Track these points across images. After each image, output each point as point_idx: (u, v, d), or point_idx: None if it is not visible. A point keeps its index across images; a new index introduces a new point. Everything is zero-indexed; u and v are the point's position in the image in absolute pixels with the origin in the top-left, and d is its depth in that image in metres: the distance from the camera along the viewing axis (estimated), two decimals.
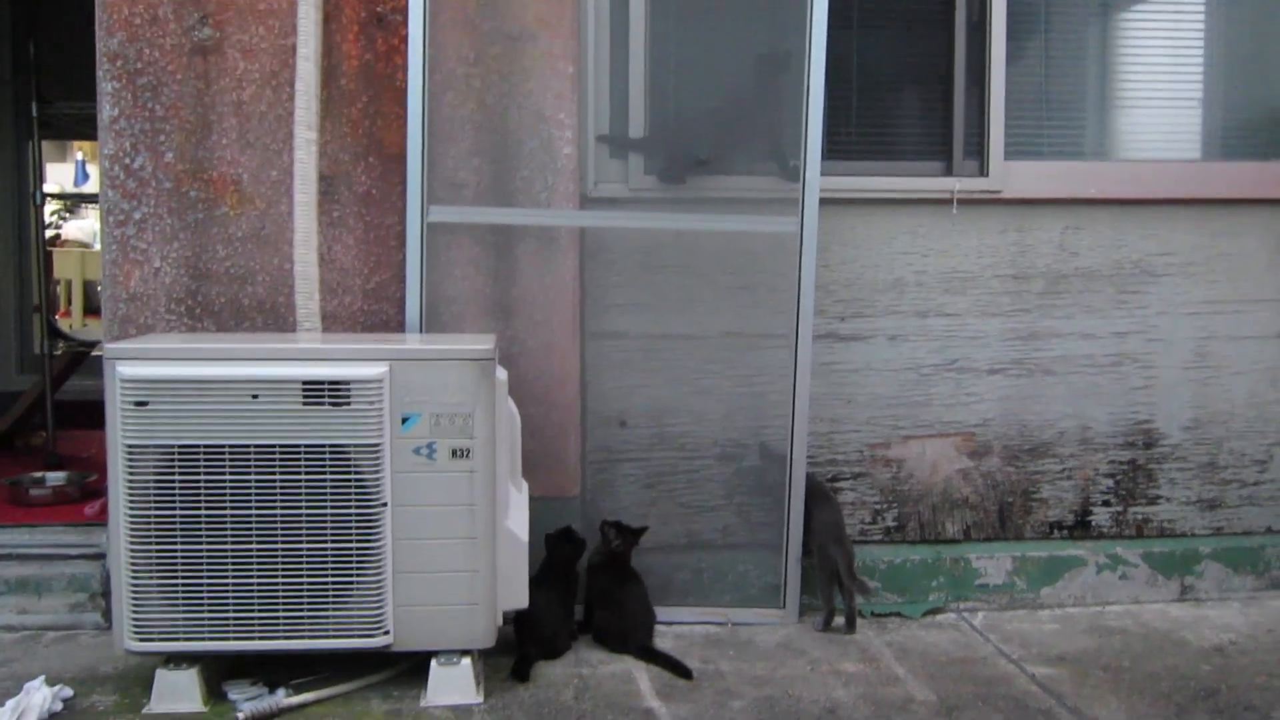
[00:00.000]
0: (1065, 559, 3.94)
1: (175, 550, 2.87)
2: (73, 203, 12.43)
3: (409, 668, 3.13)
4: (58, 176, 13.03)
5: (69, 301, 10.82)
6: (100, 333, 3.70)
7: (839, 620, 3.62)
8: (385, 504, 2.92)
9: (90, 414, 3.97)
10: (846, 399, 3.90)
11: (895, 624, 3.73)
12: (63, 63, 5.82)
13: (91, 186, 12.76)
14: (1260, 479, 4.10)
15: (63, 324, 9.65)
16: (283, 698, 2.95)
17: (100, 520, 3.74)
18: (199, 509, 2.87)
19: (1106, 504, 4.03)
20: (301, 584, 2.90)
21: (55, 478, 4.39)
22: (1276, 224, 4.07)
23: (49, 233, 10.31)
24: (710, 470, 3.84)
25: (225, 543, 2.88)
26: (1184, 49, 4.18)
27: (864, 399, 3.91)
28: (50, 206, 11.12)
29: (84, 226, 12.56)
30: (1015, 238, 3.95)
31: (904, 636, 3.61)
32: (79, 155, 13.60)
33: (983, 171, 3.93)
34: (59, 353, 5.59)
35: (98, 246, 11.25)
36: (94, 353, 5.64)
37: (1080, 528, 4.02)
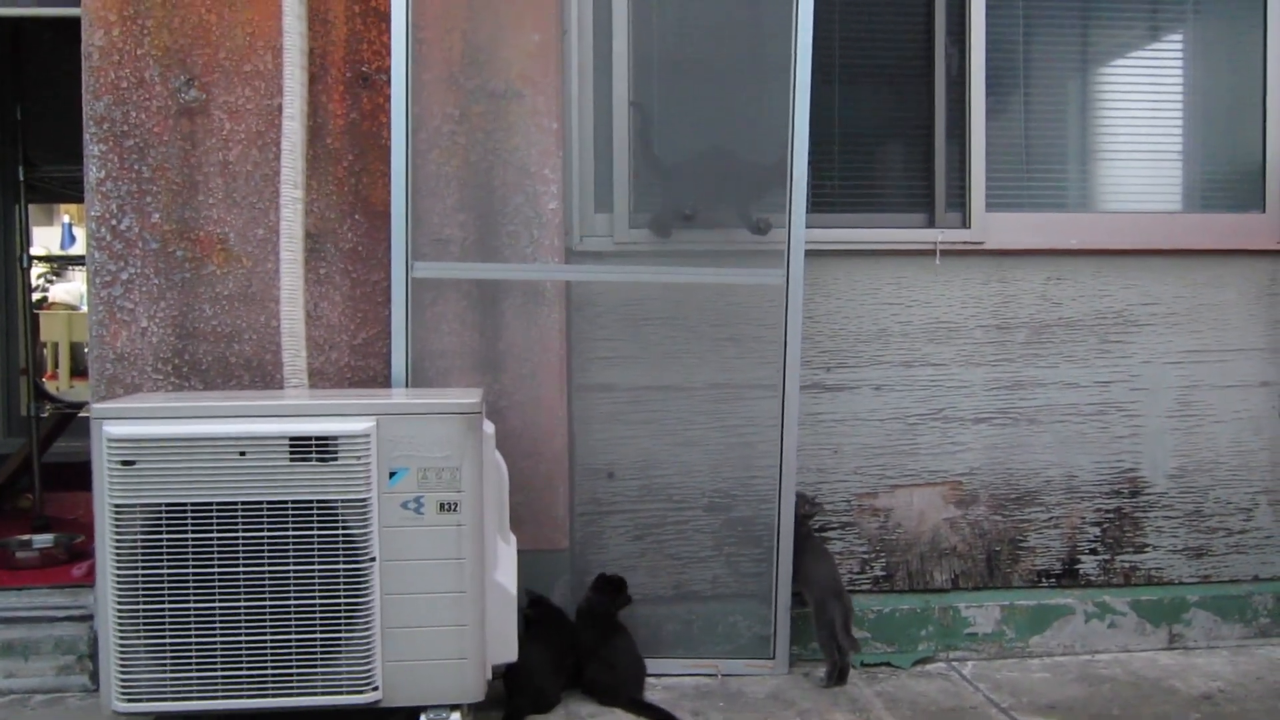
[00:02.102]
0: (1054, 608, 3.94)
1: (163, 609, 2.86)
2: (59, 265, 12.45)
3: None
4: (44, 240, 13.08)
5: (56, 364, 10.81)
6: (87, 394, 3.70)
7: (827, 670, 3.61)
8: (373, 559, 2.91)
9: (77, 475, 3.95)
10: (833, 449, 3.91)
11: (885, 674, 3.72)
12: (49, 126, 5.87)
13: (78, 249, 12.80)
14: (1246, 527, 4.12)
15: (49, 386, 9.63)
16: None
17: (88, 582, 3.72)
18: (186, 567, 2.86)
19: (1094, 552, 4.03)
20: (290, 641, 2.89)
21: (42, 540, 4.38)
22: (1257, 274, 4.11)
23: (36, 295, 10.33)
24: (699, 521, 3.84)
25: (213, 601, 2.87)
26: (1163, 103, 4.25)
27: (851, 449, 3.93)
28: (37, 269, 11.14)
29: (71, 289, 12.57)
30: (998, 288, 3.99)
31: (894, 686, 3.61)
32: (65, 218, 13.66)
33: (965, 223, 3.98)
34: (46, 415, 5.57)
35: (84, 309, 11.27)
36: (81, 414, 5.63)
37: (1068, 576, 4.02)
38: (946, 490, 3.97)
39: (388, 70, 3.54)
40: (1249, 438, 4.11)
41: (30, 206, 5.67)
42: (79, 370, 10.65)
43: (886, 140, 4.12)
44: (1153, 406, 4.06)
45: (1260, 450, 4.11)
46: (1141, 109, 4.24)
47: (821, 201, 3.96)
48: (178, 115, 3.55)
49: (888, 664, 3.80)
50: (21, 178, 5.37)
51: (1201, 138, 4.26)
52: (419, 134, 3.58)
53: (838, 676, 3.58)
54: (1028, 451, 4.00)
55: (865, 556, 3.94)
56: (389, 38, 3.52)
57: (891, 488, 3.95)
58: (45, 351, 10.68)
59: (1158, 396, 4.06)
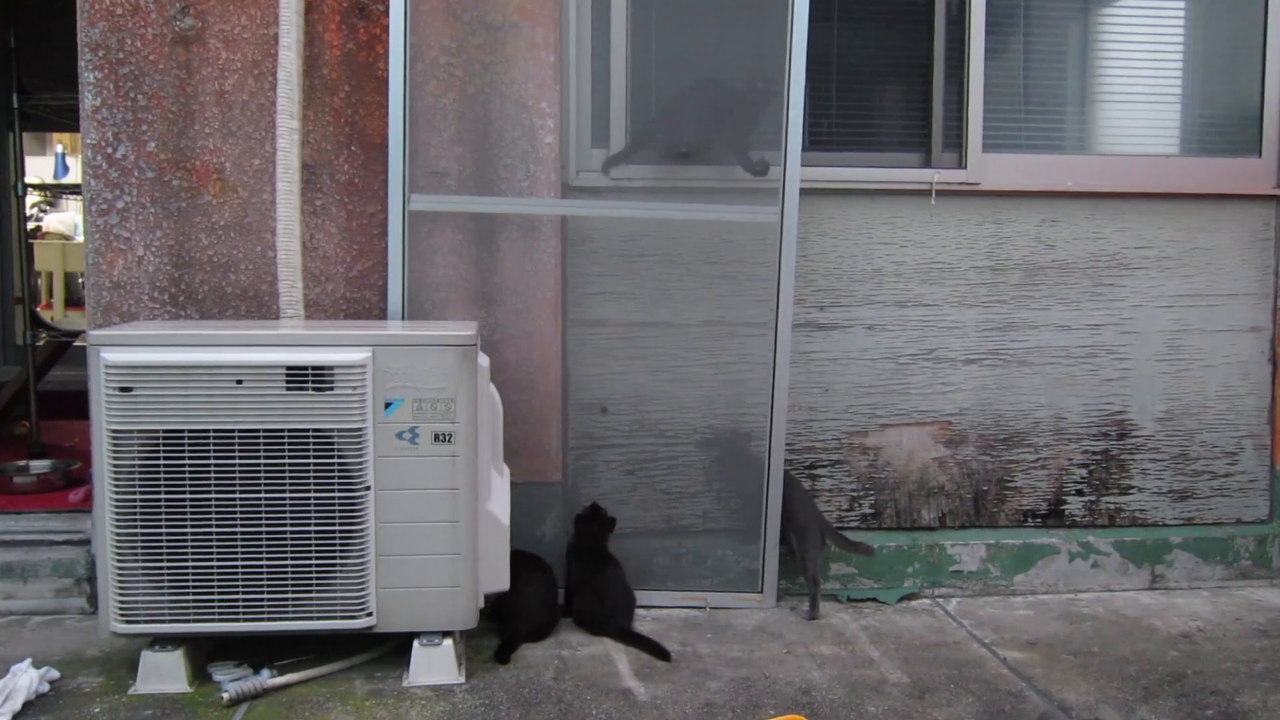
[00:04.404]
0: (1038, 547, 4.00)
1: (160, 533, 2.90)
2: (53, 195, 12.40)
3: (392, 649, 3.17)
4: (38, 169, 13.02)
5: (50, 294, 10.81)
6: (82, 324, 3.72)
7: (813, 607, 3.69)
8: (368, 487, 2.95)
9: (73, 404, 3.99)
10: (825, 387, 3.94)
11: (871, 609, 3.78)
12: (43, 53, 5.83)
13: (72, 178, 12.74)
14: (1231, 470, 4.16)
15: (44, 316, 9.64)
16: (267, 678, 2.98)
17: (85, 507, 3.76)
18: (184, 492, 2.89)
19: (1080, 493, 4.08)
20: (285, 566, 2.93)
21: (39, 465, 4.40)
22: (1251, 219, 4.13)
23: (30, 225, 10.30)
24: (690, 457, 3.88)
25: (210, 526, 2.90)
26: (1163, 45, 4.23)
27: (842, 387, 3.96)
28: (31, 198, 11.10)
29: (65, 219, 12.55)
30: (992, 229, 4.00)
31: (879, 621, 3.66)
32: (59, 148, 13.58)
33: (961, 164, 3.98)
34: (41, 343, 5.59)
35: (79, 238, 11.24)
36: (76, 343, 5.64)
37: (1053, 516, 4.07)
38: (936, 430, 4.01)
39: (384, 0, 3.52)
40: (1237, 382, 4.14)
41: (24, 135, 5.64)
42: (73, 300, 10.66)
43: (884, 79, 4.11)
44: (1143, 350, 4.09)
45: (1248, 395, 4.15)
46: (1140, 52, 4.23)
47: (818, 140, 3.96)
48: (173, 43, 3.53)
49: (874, 599, 3.86)
50: (15, 105, 5.33)
51: (1200, 81, 4.25)
52: (416, 66, 3.57)
53: (810, 609, 3.65)
54: (1017, 393, 4.03)
55: (854, 494, 3.98)
56: None
57: (882, 427, 3.99)
58: (40, 281, 10.68)
59: (1148, 340, 4.09)
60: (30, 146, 12.30)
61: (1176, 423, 4.12)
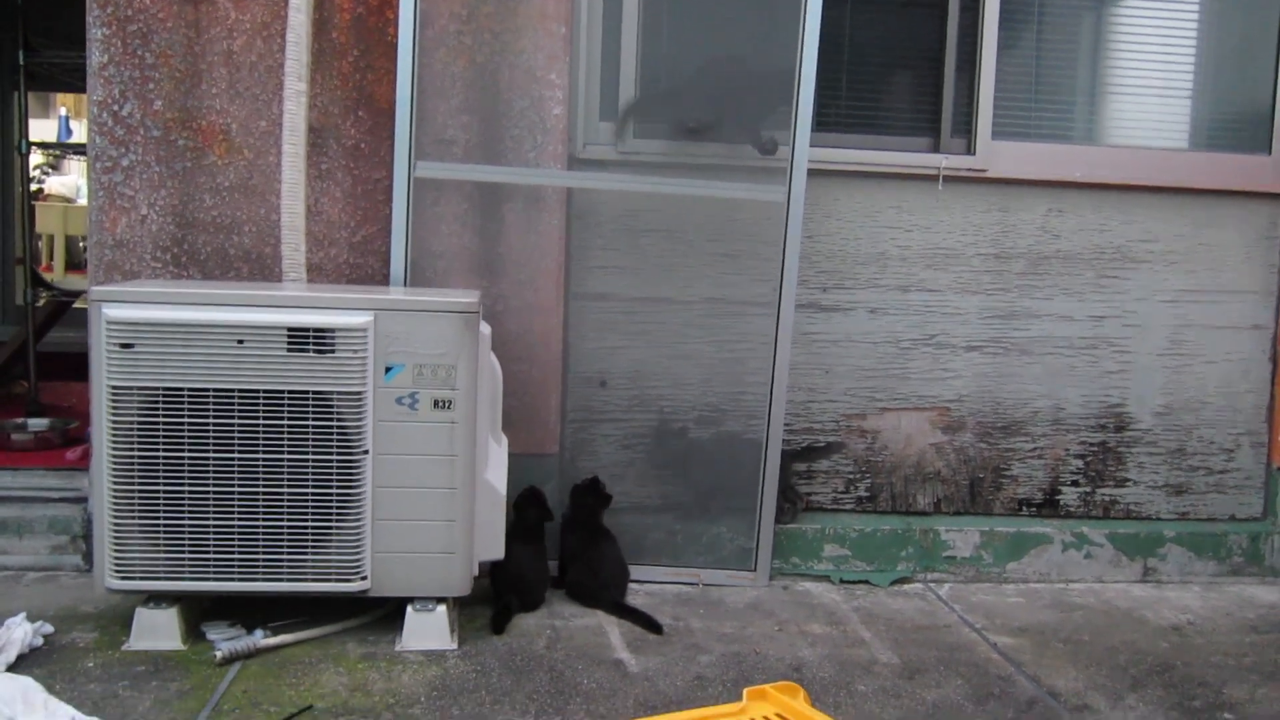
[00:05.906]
0: (1032, 536, 4.00)
1: (157, 490, 2.90)
2: (56, 157, 12.38)
3: (385, 613, 3.18)
4: (41, 132, 12.99)
5: (51, 256, 10.80)
6: (82, 286, 3.71)
7: (806, 585, 3.68)
8: (366, 451, 2.95)
9: (71, 365, 3.98)
10: (825, 369, 3.94)
11: (863, 591, 3.79)
12: (50, 10, 5.80)
13: (76, 141, 12.70)
14: (1227, 467, 4.17)
15: (44, 277, 9.64)
16: (260, 639, 2.98)
17: (82, 465, 3.76)
18: (182, 451, 2.89)
19: (1075, 484, 4.08)
20: (282, 527, 2.93)
21: (37, 423, 4.39)
22: (1257, 217, 4.12)
23: (32, 187, 10.28)
24: (689, 433, 3.88)
25: (207, 485, 2.91)
26: (1175, 40, 4.21)
27: (842, 370, 3.95)
28: (34, 159, 11.08)
29: (67, 182, 12.53)
30: (998, 217, 3.99)
31: (871, 603, 3.67)
32: (62, 111, 13.55)
33: (969, 150, 3.97)
34: (41, 303, 5.57)
35: (81, 201, 11.22)
36: (76, 304, 5.63)
37: (1048, 506, 4.08)
38: (934, 415, 4.01)
39: None
40: (1237, 379, 4.14)
41: (29, 96, 5.62)
42: (74, 263, 10.66)
43: (895, 63, 4.10)
44: (1144, 344, 4.09)
45: (1247, 392, 4.15)
46: (1153, 45, 4.21)
47: (827, 121, 3.94)
48: (182, 1, 3.51)
49: (866, 582, 3.86)
50: (22, 62, 5.31)
51: (1211, 77, 4.24)
52: (425, 32, 3.56)
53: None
54: (1017, 381, 4.03)
55: (850, 476, 3.98)
56: None
57: (881, 410, 3.99)
58: (41, 244, 10.68)
59: (1150, 334, 4.09)
60: (34, 109, 12.26)
61: (1175, 417, 4.12)
